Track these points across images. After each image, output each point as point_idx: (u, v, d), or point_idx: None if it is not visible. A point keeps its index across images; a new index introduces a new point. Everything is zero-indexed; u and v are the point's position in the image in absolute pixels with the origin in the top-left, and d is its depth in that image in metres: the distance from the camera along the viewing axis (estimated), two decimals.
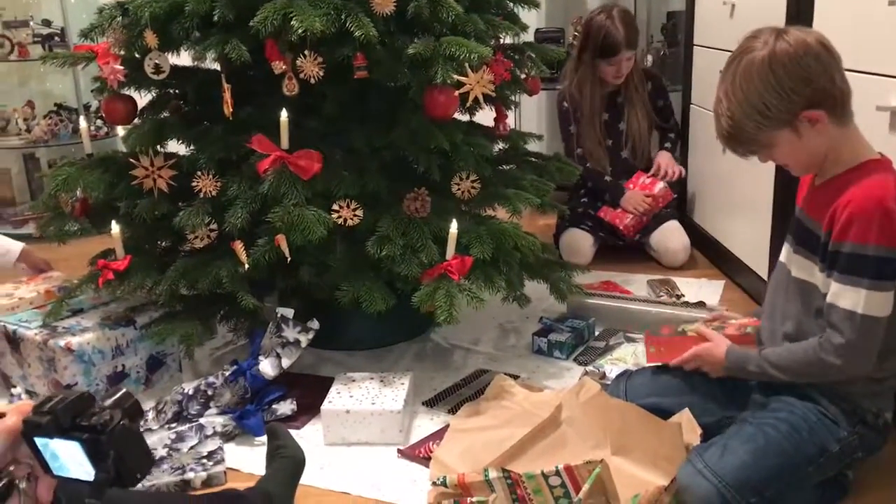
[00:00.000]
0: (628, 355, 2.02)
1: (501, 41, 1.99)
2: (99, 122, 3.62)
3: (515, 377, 1.89)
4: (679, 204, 2.98)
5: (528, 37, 3.55)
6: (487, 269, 1.85)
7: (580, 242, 2.79)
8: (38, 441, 0.77)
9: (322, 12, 1.69)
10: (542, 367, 2.04)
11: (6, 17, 3.54)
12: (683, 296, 2.39)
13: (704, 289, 2.55)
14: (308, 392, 1.88)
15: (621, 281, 2.61)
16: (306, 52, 1.70)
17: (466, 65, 1.73)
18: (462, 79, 1.74)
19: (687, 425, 1.53)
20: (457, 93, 1.76)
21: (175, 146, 1.98)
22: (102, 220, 1.96)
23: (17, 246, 2.20)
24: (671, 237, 2.78)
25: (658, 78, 2.99)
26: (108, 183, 1.92)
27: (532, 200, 1.95)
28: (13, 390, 1.74)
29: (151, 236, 1.98)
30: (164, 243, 2.00)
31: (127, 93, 1.96)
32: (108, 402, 0.79)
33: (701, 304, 2.23)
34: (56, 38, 3.52)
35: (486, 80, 1.74)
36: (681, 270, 2.74)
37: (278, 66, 1.75)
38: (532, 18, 3.65)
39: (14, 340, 1.92)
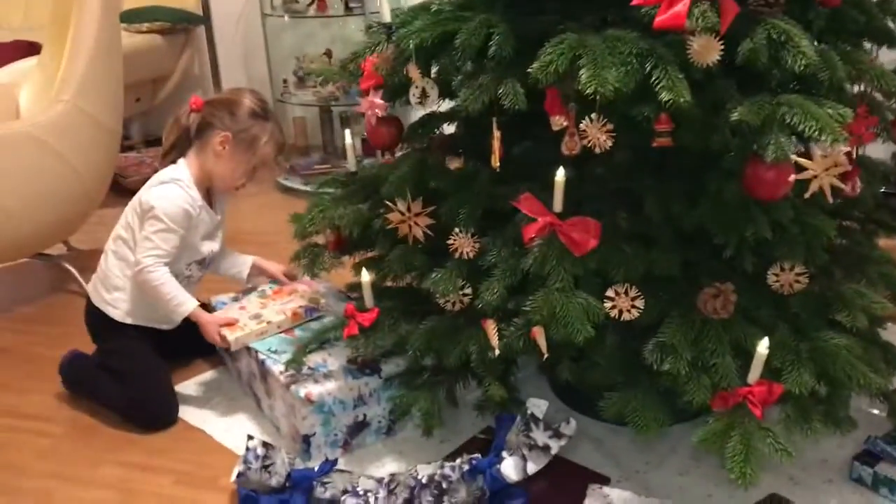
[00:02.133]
0: None
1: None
2: None
3: None
4: None
5: None
6: (803, 401, 1.40)
7: None
8: None
9: (620, 60, 1.29)
10: None
11: None
12: None
13: None
14: (551, 491, 1.60)
15: None
16: (593, 116, 1.33)
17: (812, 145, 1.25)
18: (803, 162, 1.27)
19: None
20: (793, 177, 1.29)
21: None
22: (358, 259, 1.79)
23: (247, 261, 2.12)
24: None
25: None
26: (363, 222, 1.73)
27: (881, 310, 1.44)
28: (249, 443, 1.66)
29: (403, 290, 1.77)
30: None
31: (393, 114, 1.73)
32: None
33: None
34: None
35: (837, 170, 1.25)
36: None
37: (558, 122, 1.40)
38: None
39: (263, 370, 1.85)
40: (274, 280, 2.13)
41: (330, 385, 1.74)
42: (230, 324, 1.91)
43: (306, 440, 1.75)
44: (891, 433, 1.67)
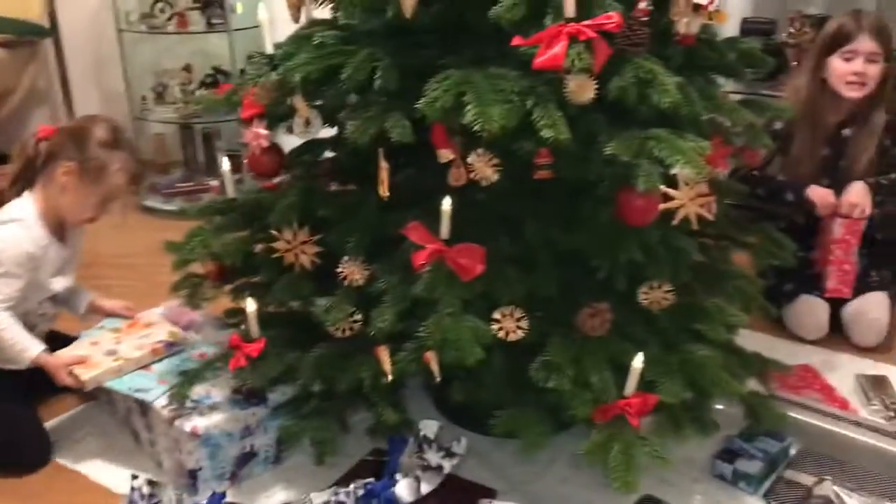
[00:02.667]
0: None
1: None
2: None
3: None
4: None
5: (733, 30, 3.12)
6: (674, 410, 1.53)
7: (817, 314, 2.32)
8: None
9: (503, 98, 1.36)
10: (724, 502, 1.71)
11: None
12: None
13: None
14: None
15: (821, 364, 2.21)
16: (480, 151, 1.39)
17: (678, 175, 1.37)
18: (670, 192, 1.38)
19: None
20: (661, 205, 1.40)
21: None
22: (240, 287, 1.78)
23: (84, 296, 2.05)
24: (869, 311, 2.30)
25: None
26: (246, 251, 1.72)
27: (738, 321, 1.59)
28: (134, 483, 1.61)
29: (288, 317, 1.77)
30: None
31: (274, 142, 1.73)
32: None
33: None
34: (215, 5, 3.33)
35: (701, 200, 1.37)
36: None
37: (445, 155, 1.45)
38: (736, 6, 3.16)
39: (143, 406, 1.79)
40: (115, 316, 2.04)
41: (216, 417, 1.71)
42: (81, 362, 1.83)
43: (192, 475, 1.71)
44: (745, 431, 1.83)
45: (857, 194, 2.23)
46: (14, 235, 1.82)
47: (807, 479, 1.75)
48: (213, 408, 1.73)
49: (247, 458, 1.77)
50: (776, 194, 2.33)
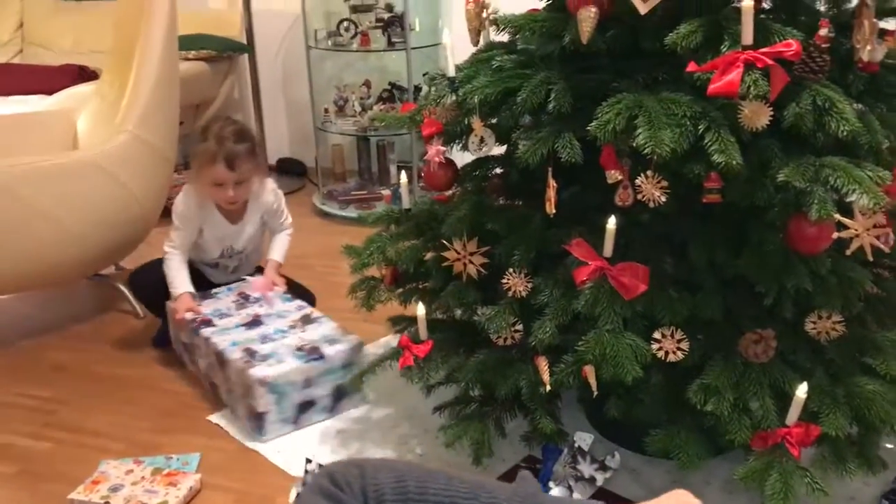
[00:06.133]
0: None
1: None
2: None
3: None
4: None
5: None
6: (839, 443, 1.49)
7: None
8: None
9: (675, 122, 1.39)
10: None
11: (354, 1, 3.62)
12: None
13: None
14: None
15: None
16: (649, 173, 1.43)
17: (854, 205, 1.35)
18: (846, 221, 1.36)
19: None
20: (834, 234, 1.39)
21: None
22: (410, 292, 1.90)
23: (267, 257, 2.54)
24: None
25: None
26: (418, 258, 1.83)
27: None
28: (308, 466, 1.76)
29: (454, 323, 1.87)
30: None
31: (448, 157, 1.84)
32: None
33: None
34: (396, 25, 3.52)
35: (877, 231, 1.34)
36: None
37: (613, 176, 1.50)
38: None
39: (221, 360, 2.09)
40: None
41: (282, 368, 2.01)
42: (193, 310, 2.30)
43: (260, 417, 2.00)
44: None
45: None
46: (179, 198, 2.40)
47: None
48: (279, 361, 2.03)
49: (307, 405, 2.04)
50: None
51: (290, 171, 4.18)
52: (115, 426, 2.12)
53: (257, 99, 4.05)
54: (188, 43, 3.63)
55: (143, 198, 2.55)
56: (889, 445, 1.76)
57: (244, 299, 2.38)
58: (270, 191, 2.50)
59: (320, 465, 1.77)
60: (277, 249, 2.54)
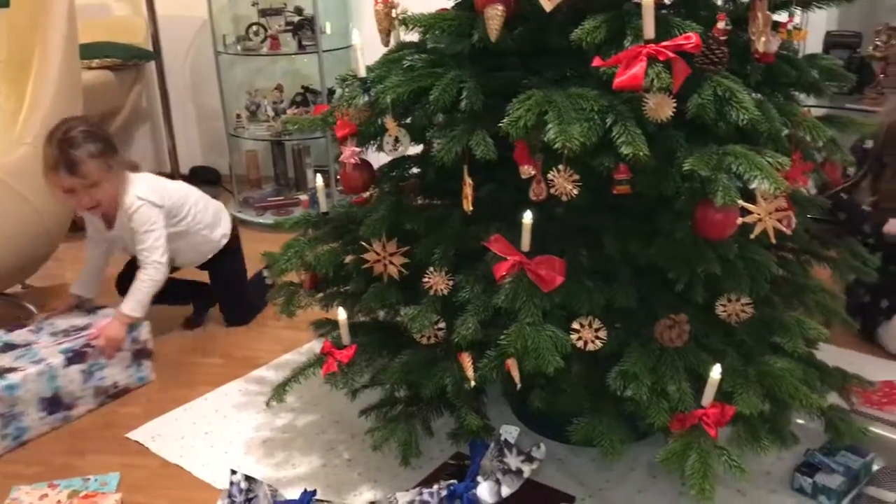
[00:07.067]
0: None
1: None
2: None
3: None
4: None
5: (817, 43, 3.09)
6: (752, 421, 1.55)
7: None
8: None
9: (583, 116, 1.42)
10: None
11: (263, 5, 3.57)
12: None
13: None
14: None
15: None
16: (560, 167, 1.45)
17: (756, 190, 1.40)
18: (749, 206, 1.42)
19: None
20: (739, 220, 1.44)
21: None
22: (331, 296, 1.88)
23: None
24: None
25: None
26: (337, 262, 1.82)
27: (817, 335, 1.60)
28: (233, 478, 1.72)
29: (377, 325, 1.87)
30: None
31: (364, 158, 1.83)
32: None
33: None
34: (306, 28, 3.49)
35: (779, 215, 1.40)
36: None
37: (526, 171, 1.52)
38: (822, 18, 3.14)
39: None
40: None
41: None
42: None
43: None
44: (826, 445, 1.83)
45: None
46: None
47: (889, 496, 1.73)
48: None
49: None
50: (855, 224, 2.32)
51: (204, 179, 4.09)
52: (28, 450, 2.04)
53: (166, 107, 3.96)
54: (91, 51, 3.52)
55: (46, 213, 2.45)
56: (800, 420, 1.83)
57: (72, 332, 2.23)
58: (130, 204, 2.25)
59: (246, 477, 1.74)
60: (129, 296, 2.25)
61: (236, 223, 2.70)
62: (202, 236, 2.49)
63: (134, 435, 2.07)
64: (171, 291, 2.47)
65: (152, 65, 3.91)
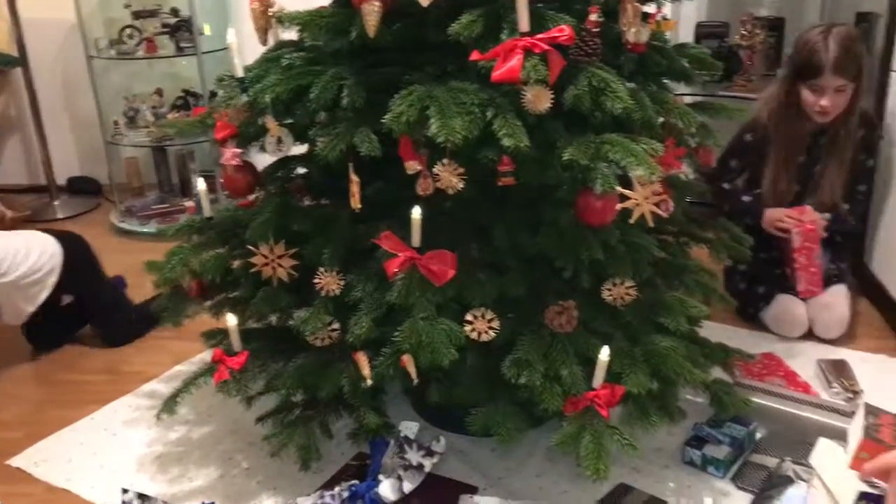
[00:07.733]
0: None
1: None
2: None
3: None
4: (857, 263, 2.57)
5: (688, 33, 3.23)
6: (641, 399, 1.60)
7: (795, 311, 2.38)
8: None
9: (464, 110, 1.43)
10: (694, 486, 1.79)
11: (136, 7, 3.44)
12: (862, 392, 2.07)
13: (887, 371, 2.21)
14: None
15: (784, 351, 2.31)
16: (445, 161, 1.46)
17: (632, 176, 1.45)
18: (626, 192, 1.46)
19: None
20: (618, 206, 1.48)
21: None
22: (220, 303, 1.83)
23: None
24: (830, 305, 2.38)
25: (874, 127, 2.43)
26: (224, 267, 1.77)
27: (699, 313, 1.67)
28: (124, 496, 1.66)
29: (269, 330, 1.83)
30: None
31: (247, 160, 1.79)
32: None
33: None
34: (184, 30, 3.38)
35: (655, 199, 1.45)
36: (854, 340, 2.39)
37: (412, 167, 1.52)
38: (692, 10, 3.28)
39: None
40: None
41: None
42: None
43: None
44: (713, 418, 1.91)
45: (810, 217, 2.33)
46: None
47: (772, 462, 1.83)
48: None
49: None
50: (737, 215, 2.40)
51: (83, 189, 3.93)
52: None
53: (37, 115, 3.75)
54: None
55: None
56: (687, 396, 1.91)
57: None
58: None
59: (139, 495, 1.68)
60: None
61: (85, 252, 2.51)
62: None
63: (15, 461, 1.96)
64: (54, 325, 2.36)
65: (18, 72, 3.70)
